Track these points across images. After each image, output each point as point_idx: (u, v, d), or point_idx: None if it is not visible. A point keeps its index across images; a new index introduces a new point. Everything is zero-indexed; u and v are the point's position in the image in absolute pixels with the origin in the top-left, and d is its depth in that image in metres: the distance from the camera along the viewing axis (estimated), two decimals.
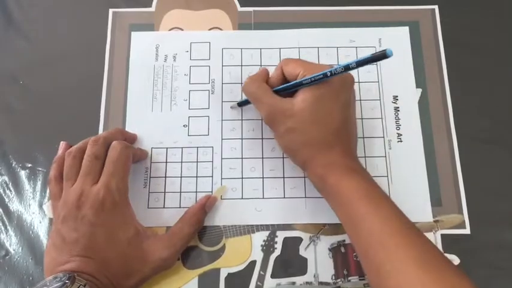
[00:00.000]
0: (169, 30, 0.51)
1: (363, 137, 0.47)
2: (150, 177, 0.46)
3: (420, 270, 0.32)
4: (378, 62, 0.49)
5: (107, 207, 0.39)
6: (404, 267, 0.33)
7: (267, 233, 0.44)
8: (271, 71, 0.43)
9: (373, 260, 0.35)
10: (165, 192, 0.46)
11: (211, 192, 0.45)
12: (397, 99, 0.48)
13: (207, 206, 0.44)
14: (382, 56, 0.33)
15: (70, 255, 0.37)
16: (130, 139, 0.46)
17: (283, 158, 0.46)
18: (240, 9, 0.52)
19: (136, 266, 0.39)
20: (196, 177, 0.46)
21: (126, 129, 0.48)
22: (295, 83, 0.40)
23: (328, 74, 0.37)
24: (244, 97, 0.45)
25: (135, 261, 0.39)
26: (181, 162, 0.46)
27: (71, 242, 0.38)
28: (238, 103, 0.47)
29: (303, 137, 0.39)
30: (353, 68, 0.36)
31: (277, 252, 0.44)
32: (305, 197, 0.45)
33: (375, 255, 0.34)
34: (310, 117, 0.39)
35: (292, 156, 0.42)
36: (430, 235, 0.44)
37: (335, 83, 0.39)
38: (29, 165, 0.47)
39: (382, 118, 0.48)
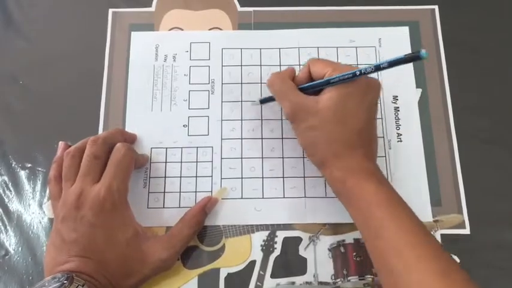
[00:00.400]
0: (169, 30, 0.51)
1: None
2: (149, 177, 0.46)
3: (441, 283, 0.32)
4: (378, 61, 0.49)
5: (106, 208, 0.39)
6: (425, 279, 0.32)
7: (266, 232, 0.44)
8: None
9: (391, 270, 0.34)
10: (164, 192, 0.45)
11: (211, 192, 0.45)
12: (397, 99, 0.48)
13: (207, 207, 0.44)
14: (416, 57, 0.32)
15: (69, 255, 0.37)
16: (130, 139, 0.46)
17: (282, 158, 0.46)
18: (240, 9, 0.52)
19: (135, 266, 0.39)
20: (196, 177, 0.46)
21: (126, 129, 0.48)
22: (322, 82, 0.39)
23: (358, 73, 0.37)
24: (266, 94, 0.44)
25: (134, 262, 0.39)
26: (181, 162, 0.46)
27: (70, 242, 0.38)
28: (260, 100, 0.46)
29: (325, 135, 0.38)
30: (384, 68, 0.35)
31: (276, 252, 0.44)
32: (305, 197, 0.45)
33: (394, 264, 0.34)
34: (335, 117, 0.38)
35: (311, 154, 0.41)
36: None
37: (362, 83, 0.38)
38: (29, 165, 0.47)
39: (382, 118, 0.48)
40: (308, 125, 0.39)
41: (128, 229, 0.40)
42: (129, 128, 0.48)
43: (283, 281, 0.43)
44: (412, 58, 0.33)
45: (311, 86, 0.40)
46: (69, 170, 0.41)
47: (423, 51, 0.32)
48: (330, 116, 0.38)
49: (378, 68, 0.36)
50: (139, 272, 0.39)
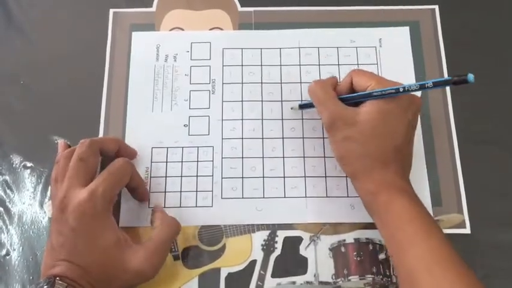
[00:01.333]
0: (170, 30, 0.52)
1: None
2: (150, 176, 0.46)
3: None
4: (378, 62, 0.50)
5: (87, 213, 0.37)
6: None
7: (267, 232, 0.44)
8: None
9: (417, 284, 0.34)
10: (165, 191, 0.45)
11: (212, 191, 0.45)
12: None
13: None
14: (463, 81, 0.33)
15: (56, 259, 0.37)
16: (126, 151, 0.45)
17: (283, 157, 0.46)
18: (240, 9, 0.52)
19: (116, 273, 0.38)
20: (197, 176, 0.46)
21: (127, 129, 0.47)
22: (364, 94, 0.39)
23: (401, 89, 0.37)
24: (306, 99, 0.44)
25: (114, 269, 0.38)
26: (182, 161, 0.46)
27: (58, 245, 0.38)
28: (300, 105, 0.47)
29: (360, 148, 0.39)
30: (429, 88, 0.36)
31: (277, 251, 0.44)
32: (305, 197, 0.45)
33: (420, 279, 0.34)
34: (373, 131, 0.38)
35: (344, 165, 0.41)
36: None
37: (404, 101, 0.39)
38: (30, 165, 0.47)
39: None
40: (344, 135, 0.39)
41: (107, 237, 0.38)
42: (130, 128, 0.48)
43: (284, 280, 0.43)
44: (459, 81, 0.34)
45: (352, 97, 0.41)
46: (60, 172, 0.40)
47: (471, 75, 0.33)
48: (368, 130, 0.38)
49: (422, 86, 0.36)
50: (122, 279, 0.38)
